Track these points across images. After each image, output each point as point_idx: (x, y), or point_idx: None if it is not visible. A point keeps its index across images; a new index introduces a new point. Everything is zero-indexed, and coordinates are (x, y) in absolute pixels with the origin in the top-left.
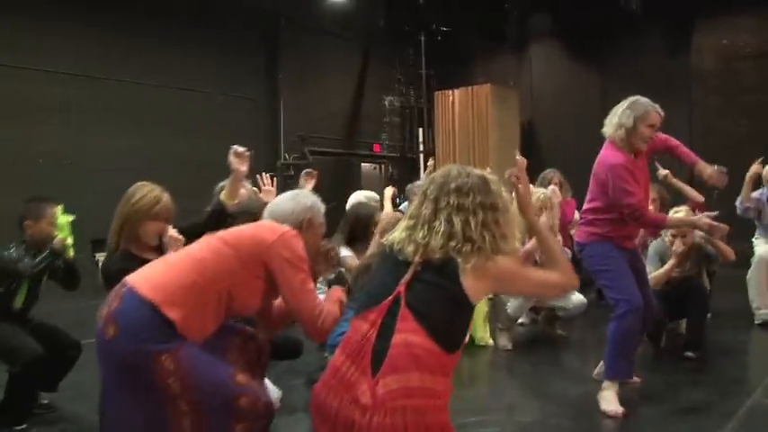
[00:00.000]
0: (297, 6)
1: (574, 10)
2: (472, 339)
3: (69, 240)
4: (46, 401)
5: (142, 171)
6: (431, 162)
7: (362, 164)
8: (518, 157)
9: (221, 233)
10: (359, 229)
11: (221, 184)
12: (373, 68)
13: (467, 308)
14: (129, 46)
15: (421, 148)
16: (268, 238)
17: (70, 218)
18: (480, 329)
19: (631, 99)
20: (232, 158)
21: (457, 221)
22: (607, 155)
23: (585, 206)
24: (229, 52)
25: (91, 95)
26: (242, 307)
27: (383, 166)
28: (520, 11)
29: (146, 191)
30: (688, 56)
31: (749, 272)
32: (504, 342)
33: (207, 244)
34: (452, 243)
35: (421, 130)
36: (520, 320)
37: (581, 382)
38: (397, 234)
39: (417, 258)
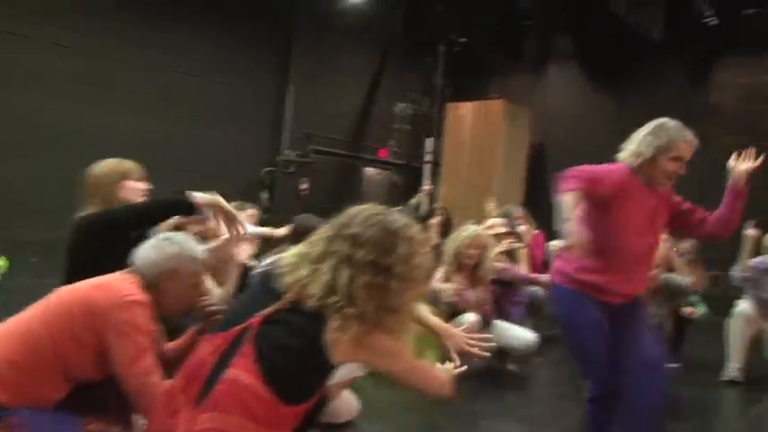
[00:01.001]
0: (314, 1)
1: (595, 34)
2: None
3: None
4: None
5: (133, 151)
6: (427, 187)
7: (366, 168)
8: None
9: (62, 292)
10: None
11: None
12: (388, 73)
13: (323, 368)
14: (142, 26)
15: (427, 158)
16: (100, 304)
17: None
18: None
19: (657, 122)
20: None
21: (343, 275)
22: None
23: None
24: (239, 39)
25: (99, 72)
26: (84, 376)
27: (387, 172)
28: (540, 29)
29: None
30: (707, 92)
31: (729, 323)
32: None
33: (42, 309)
34: (332, 299)
35: (429, 140)
36: None
37: (515, 422)
38: (286, 258)
39: (289, 295)
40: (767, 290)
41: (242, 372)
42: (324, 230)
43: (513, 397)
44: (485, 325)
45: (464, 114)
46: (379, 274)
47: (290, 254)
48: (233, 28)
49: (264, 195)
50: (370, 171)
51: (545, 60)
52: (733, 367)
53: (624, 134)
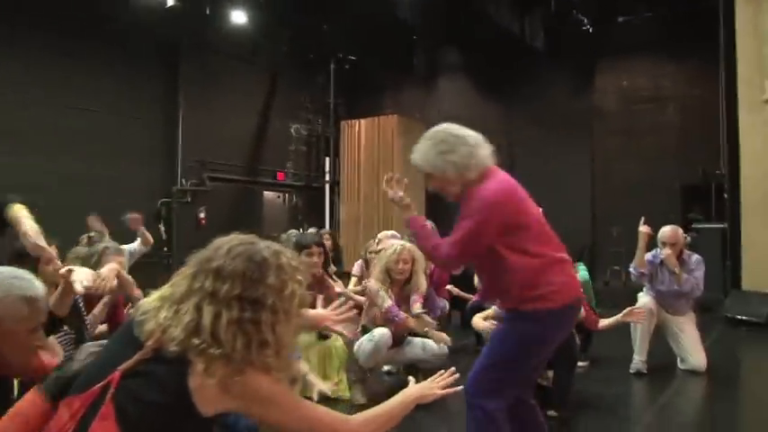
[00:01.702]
0: (200, 27)
1: (481, 45)
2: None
3: None
4: None
5: (29, 190)
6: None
7: (265, 192)
8: None
9: None
10: None
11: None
12: (280, 95)
13: (195, 421)
14: (19, 59)
15: (327, 177)
16: None
17: None
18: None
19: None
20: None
21: (207, 313)
22: None
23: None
24: (125, 71)
25: None
26: None
27: (287, 195)
28: (427, 43)
29: None
30: (591, 96)
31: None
32: (357, 396)
33: None
34: (195, 340)
35: (328, 159)
36: (386, 368)
37: None
38: (148, 302)
39: (150, 343)
40: (663, 282)
41: None
42: (187, 267)
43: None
44: (398, 342)
45: (358, 131)
46: (248, 309)
47: (153, 297)
48: (117, 58)
49: (162, 228)
50: (269, 195)
51: (434, 74)
52: (638, 360)
53: (514, 139)
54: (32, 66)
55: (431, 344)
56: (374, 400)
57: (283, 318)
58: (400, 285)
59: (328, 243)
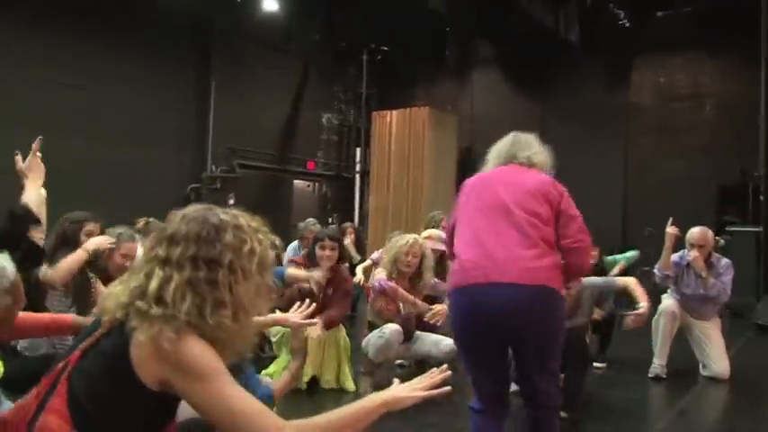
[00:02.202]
0: (233, 14)
1: (516, 39)
2: (316, 381)
3: None
4: None
5: (58, 176)
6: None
7: (295, 181)
8: None
9: None
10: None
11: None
12: (312, 84)
13: (136, 394)
14: (51, 45)
15: (357, 168)
16: None
17: None
18: (329, 371)
19: (535, 138)
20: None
21: (156, 277)
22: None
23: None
24: (158, 58)
25: (14, 92)
26: None
27: (317, 184)
28: (460, 35)
29: None
30: (627, 92)
31: (653, 321)
32: (365, 387)
33: None
34: (139, 303)
35: (358, 149)
36: (398, 361)
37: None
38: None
39: (107, 318)
40: (688, 285)
41: (52, 416)
42: (149, 241)
43: (434, 408)
44: (408, 337)
45: (389, 123)
46: (202, 268)
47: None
48: (151, 45)
49: None
50: (299, 183)
51: (467, 66)
52: (657, 364)
53: (546, 135)
54: (64, 51)
55: (440, 340)
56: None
57: (242, 277)
58: (406, 279)
59: (351, 236)
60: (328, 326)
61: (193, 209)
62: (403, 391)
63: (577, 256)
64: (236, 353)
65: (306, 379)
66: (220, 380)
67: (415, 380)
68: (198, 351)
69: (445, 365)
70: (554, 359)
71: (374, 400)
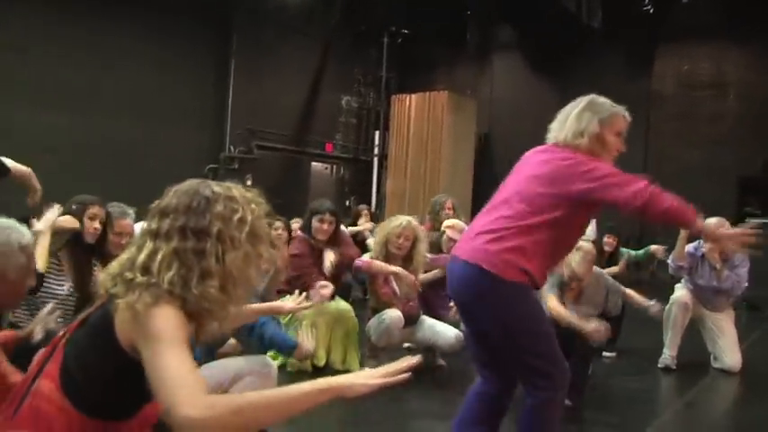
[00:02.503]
0: None
1: (537, 24)
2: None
3: None
4: None
5: (77, 154)
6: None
7: (313, 163)
8: None
9: None
10: None
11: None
12: (332, 66)
13: (119, 359)
14: (70, 23)
15: (375, 151)
16: None
17: None
18: (336, 352)
19: (586, 99)
20: None
21: (145, 249)
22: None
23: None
24: (177, 37)
25: (32, 70)
26: None
27: (335, 166)
28: (481, 19)
29: None
30: (649, 80)
31: (665, 311)
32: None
33: None
34: (126, 273)
35: (377, 132)
36: (406, 345)
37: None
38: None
39: (102, 291)
40: (702, 276)
41: (47, 379)
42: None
43: (440, 394)
44: (411, 322)
45: (408, 106)
46: (190, 239)
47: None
48: (171, 24)
49: None
50: (317, 166)
51: (488, 51)
52: (667, 354)
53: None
54: (83, 29)
55: (444, 330)
56: None
57: (230, 246)
58: (397, 261)
59: (367, 218)
60: (349, 265)
61: (187, 183)
62: (358, 377)
63: (645, 207)
64: (223, 326)
65: (321, 363)
66: (169, 347)
67: (382, 367)
68: (164, 317)
69: (416, 356)
70: (529, 354)
71: (318, 384)
